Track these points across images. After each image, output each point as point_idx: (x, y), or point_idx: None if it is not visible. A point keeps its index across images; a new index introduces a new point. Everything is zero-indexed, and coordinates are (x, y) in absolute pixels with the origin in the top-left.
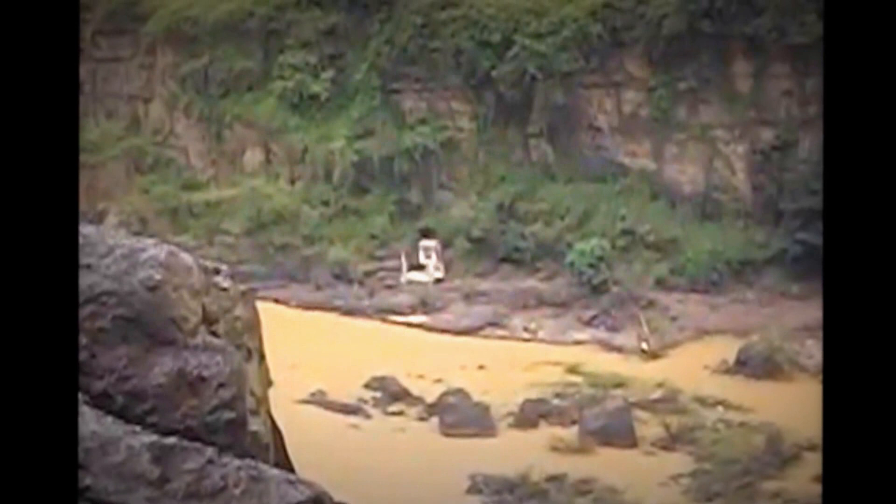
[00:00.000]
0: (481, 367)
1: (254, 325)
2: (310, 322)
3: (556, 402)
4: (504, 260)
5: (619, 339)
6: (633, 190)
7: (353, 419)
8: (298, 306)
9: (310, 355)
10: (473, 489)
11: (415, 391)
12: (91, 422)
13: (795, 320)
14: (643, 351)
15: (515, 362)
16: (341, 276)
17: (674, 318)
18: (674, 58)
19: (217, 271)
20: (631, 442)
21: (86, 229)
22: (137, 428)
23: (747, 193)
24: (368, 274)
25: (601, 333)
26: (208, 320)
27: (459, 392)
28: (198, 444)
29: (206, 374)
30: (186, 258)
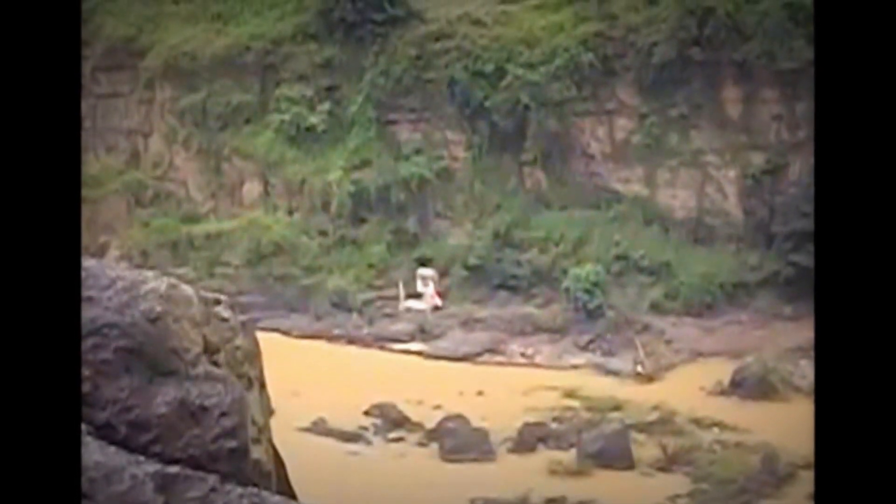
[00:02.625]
0: (480, 393)
1: (254, 355)
2: (310, 351)
3: (554, 425)
4: (500, 287)
5: (615, 362)
6: (627, 216)
7: (353, 446)
8: (298, 335)
9: (310, 384)
10: None
11: (414, 417)
12: (95, 452)
13: (789, 341)
14: (639, 374)
15: (513, 388)
16: (340, 305)
17: (668, 342)
18: (665, 85)
19: (217, 302)
20: (628, 464)
21: (87, 263)
22: (141, 457)
23: (739, 217)
24: (367, 303)
25: (597, 358)
26: (209, 351)
27: (459, 418)
28: (201, 473)
29: (207, 403)
30: (187, 290)
